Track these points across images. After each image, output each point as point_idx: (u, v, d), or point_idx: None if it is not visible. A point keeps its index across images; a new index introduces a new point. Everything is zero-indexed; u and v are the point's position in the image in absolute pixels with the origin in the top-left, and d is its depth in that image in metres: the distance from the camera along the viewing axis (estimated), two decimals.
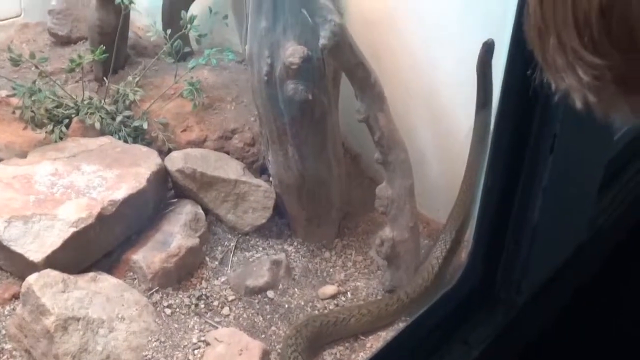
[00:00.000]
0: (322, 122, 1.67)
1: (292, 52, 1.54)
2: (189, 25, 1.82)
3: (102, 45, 1.88)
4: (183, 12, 1.85)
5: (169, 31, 1.88)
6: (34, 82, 1.79)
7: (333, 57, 1.54)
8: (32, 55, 1.77)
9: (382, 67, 1.65)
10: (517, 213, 1.62)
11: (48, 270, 1.46)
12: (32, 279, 1.42)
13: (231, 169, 1.78)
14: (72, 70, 1.82)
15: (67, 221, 1.52)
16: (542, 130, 1.53)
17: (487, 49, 1.50)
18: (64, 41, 2.24)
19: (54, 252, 1.49)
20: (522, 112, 1.51)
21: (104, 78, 2.00)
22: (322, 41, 1.48)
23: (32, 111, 1.82)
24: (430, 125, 1.81)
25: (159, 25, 2.06)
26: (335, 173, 1.76)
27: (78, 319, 1.40)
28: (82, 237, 1.53)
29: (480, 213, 1.62)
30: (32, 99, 1.74)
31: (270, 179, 1.80)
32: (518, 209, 1.63)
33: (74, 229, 1.51)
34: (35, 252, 1.48)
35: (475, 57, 1.54)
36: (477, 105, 1.59)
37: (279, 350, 1.52)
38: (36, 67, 1.79)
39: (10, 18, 2.28)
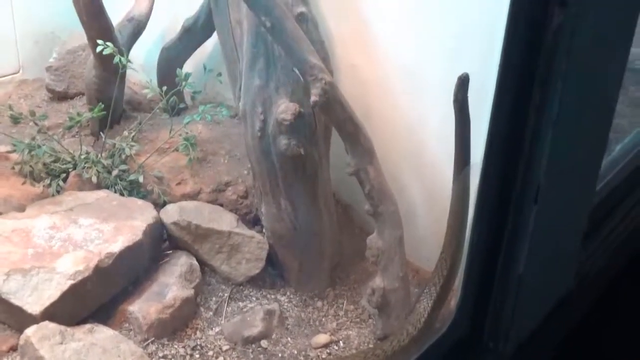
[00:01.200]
0: (313, 176, 1.71)
1: (285, 108, 1.60)
2: (183, 83, 1.88)
3: (100, 103, 1.93)
4: (178, 69, 1.91)
5: (164, 88, 1.93)
6: (33, 138, 1.84)
7: (324, 113, 1.59)
8: (32, 113, 1.82)
9: (373, 124, 1.71)
10: (503, 263, 1.66)
11: (46, 323, 1.48)
12: (30, 331, 1.44)
13: (225, 221, 1.82)
14: (70, 127, 1.86)
15: (65, 274, 1.54)
16: (525, 180, 1.58)
17: (462, 83, 1.55)
18: (61, 96, 2.30)
19: (52, 305, 1.51)
20: (506, 163, 1.56)
21: (100, 132, 2.05)
22: (314, 98, 1.53)
23: (31, 166, 1.86)
24: (418, 179, 1.85)
25: (154, 82, 2.12)
26: (326, 224, 1.80)
27: None
28: (80, 290, 1.55)
29: (468, 263, 1.66)
30: (31, 154, 1.78)
31: (263, 230, 1.84)
32: (504, 259, 1.66)
33: (71, 282, 1.54)
34: (34, 305, 1.50)
35: None
36: (456, 146, 1.62)
37: None
38: (35, 124, 1.83)
39: (8, 75, 2.33)
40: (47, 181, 1.87)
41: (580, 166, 1.74)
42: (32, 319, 1.49)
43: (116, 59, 1.83)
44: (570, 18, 1.39)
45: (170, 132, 1.94)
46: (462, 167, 1.65)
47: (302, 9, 1.63)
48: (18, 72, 2.36)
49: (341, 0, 1.80)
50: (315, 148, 1.68)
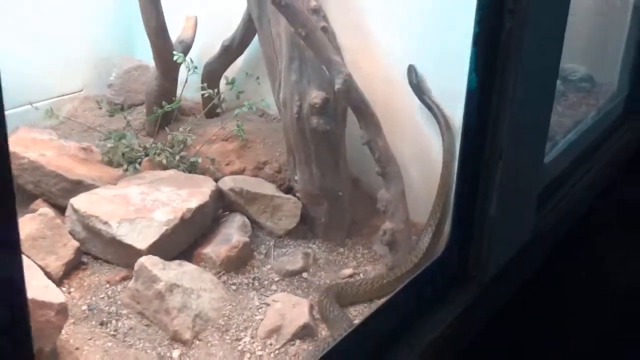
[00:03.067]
0: (336, 147, 2.25)
1: (316, 96, 2.14)
2: (231, 86, 2.43)
3: (156, 108, 2.47)
4: (226, 76, 2.46)
5: (215, 90, 2.47)
6: (123, 128, 2.36)
7: (344, 97, 2.14)
8: (122, 108, 2.35)
9: (375, 108, 2.25)
10: (480, 208, 2.17)
11: (150, 256, 1.98)
12: (143, 259, 1.93)
13: (267, 188, 2.34)
14: (155, 116, 2.39)
15: (161, 222, 2.06)
16: (493, 144, 2.11)
17: (409, 71, 2.22)
18: (119, 108, 2.81)
19: (154, 243, 2.01)
20: (478, 131, 2.09)
21: (165, 128, 2.57)
22: (337, 86, 2.08)
23: (110, 157, 2.39)
24: (411, 146, 2.39)
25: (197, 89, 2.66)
26: (345, 187, 2.34)
27: (178, 286, 1.92)
28: (170, 234, 2.06)
29: (455, 209, 2.17)
30: (121, 141, 2.30)
31: (297, 194, 2.36)
32: (481, 204, 2.18)
33: (166, 227, 2.05)
34: (141, 242, 2.01)
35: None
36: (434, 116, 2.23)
37: (317, 307, 2.05)
38: (124, 117, 2.36)
39: (74, 92, 2.84)
40: (125, 166, 2.38)
41: (531, 134, 2.29)
42: (139, 254, 1.98)
43: (187, 64, 2.38)
44: (518, 23, 1.95)
45: (221, 123, 2.47)
46: (444, 131, 2.21)
47: (324, 23, 2.19)
48: (81, 90, 2.87)
49: (347, 18, 2.36)
50: (337, 126, 2.22)
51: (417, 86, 2.27)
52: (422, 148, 2.37)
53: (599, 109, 3.42)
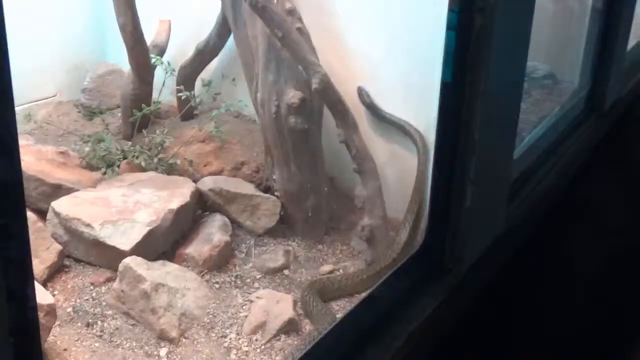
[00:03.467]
0: (314, 146, 2.29)
1: (293, 95, 2.18)
2: (207, 88, 2.45)
3: (135, 110, 2.48)
4: (202, 77, 2.48)
5: (191, 92, 2.49)
6: (102, 131, 2.37)
7: (321, 97, 2.18)
8: (101, 111, 2.36)
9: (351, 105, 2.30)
10: (456, 200, 2.23)
11: (134, 256, 1.99)
12: (127, 260, 1.95)
13: (246, 188, 2.37)
14: (144, 114, 2.43)
15: (143, 222, 2.07)
16: (466, 137, 2.16)
17: (360, 93, 2.33)
18: (93, 112, 2.81)
19: (137, 244, 2.03)
20: (452, 125, 2.14)
21: (143, 131, 2.57)
22: (314, 86, 2.12)
23: (88, 160, 2.39)
24: (386, 143, 2.43)
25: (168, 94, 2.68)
26: (322, 185, 2.37)
27: (164, 285, 1.94)
28: (153, 234, 2.08)
29: (431, 201, 2.23)
30: (99, 144, 2.30)
31: (276, 193, 2.39)
32: (456, 196, 2.24)
33: (149, 228, 2.07)
34: (124, 244, 2.02)
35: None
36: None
37: (300, 303, 2.08)
38: (103, 120, 2.37)
39: (48, 97, 2.83)
40: (104, 169, 2.39)
41: (502, 126, 2.35)
42: (123, 255, 2.00)
43: (164, 67, 2.39)
44: (487, 20, 2.01)
45: (198, 125, 2.49)
46: (416, 137, 2.26)
47: (299, 24, 2.22)
48: (55, 95, 2.86)
49: (318, 21, 2.39)
50: (314, 125, 2.26)
51: (372, 105, 2.34)
52: (397, 145, 2.42)
53: (562, 105, 3.51)
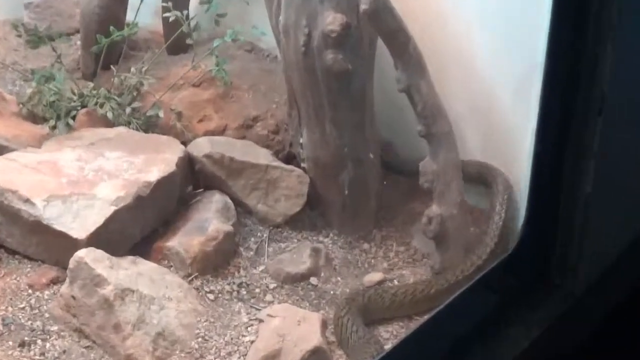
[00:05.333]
0: (360, 96, 2.30)
1: (332, 20, 2.19)
2: (207, 7, 2.48)
3: (99, 36, 2.53)
4: None
5: (185, 12, 2.53)
6: (51, 66, 2.42)
7: (373, 22, 2.19)
8: (50, 38, 2.40)
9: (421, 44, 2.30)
10: (569, 181, 2.22)
11: (93, 248, 2.03)
12: (82, 253, 1.99)
13: (260, 155, 2.40)
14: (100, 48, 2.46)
15: (107, 199, 2.12)
16: (590, 91, 2.15)
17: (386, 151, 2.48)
18: (41, 37, 2.85)
19: (97, 231, 2.08)
20: (568, 73, 2.14)
21: (112, 66, 2.61)
22: (363, 6, 2.13)
23: (30, 106, 2.45)
24: (467, 99, 2.44)
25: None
26: (372, 154, 2.39)
27: (133, 291, 1.98)
28: (120, 217, 2.12)
29: (533, 183, 2.23)
30: (47, 84, 2.35)
31: (302, 164, 2.42)
32: (569, 178, 2.23)
33: (114, 207, 2.11)
34: (79, 230, 2.07)
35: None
36: None
37: (332, 326, 2.11)
38: (53, 49, 2.41)
39: None
40: (53, 121, 2.44)
41: None
42: (76, 246, 2.04)
43: None
44: None
45: (192, 61, 2.52)
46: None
47: None
48: None
49: None
50: (362, 65, 2.28)
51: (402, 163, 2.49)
52: (482, 101, 2.42)
53: None
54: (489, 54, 2.39)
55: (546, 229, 2.24)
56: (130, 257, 2.12)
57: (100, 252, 2.03)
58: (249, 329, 2.08)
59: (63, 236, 2.08)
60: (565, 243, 2.26)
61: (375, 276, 2.32)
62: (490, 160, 2.42)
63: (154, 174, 2.22)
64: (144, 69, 2.55)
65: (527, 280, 2.26)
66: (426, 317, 2.14)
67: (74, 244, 2.06)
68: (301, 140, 2.40)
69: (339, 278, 2.31)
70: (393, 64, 2.23)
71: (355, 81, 2.28)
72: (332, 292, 2.25)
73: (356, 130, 2.34)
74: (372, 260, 2.38)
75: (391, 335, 2.16)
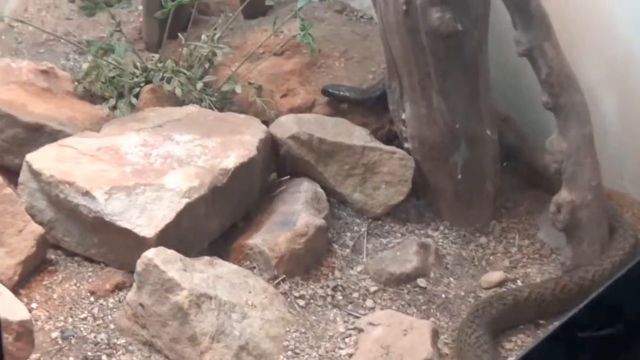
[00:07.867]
0: (473, 62, 2.30)
1: None
2: None
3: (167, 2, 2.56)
4: None
5: None
6: (110, 35, 2.46)
7: None
8: (109, 3, 2.44)
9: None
10: None
11: (162, 248, 2.06)
12: (151, 253, 2.02)
13: (355, 134, 2.41)
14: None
15: (178, 191, 2.14)
16: None
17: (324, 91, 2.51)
18: (97, 3, 2.90)
19: (167, 227, 2.10)
20: None
21: (164, 42, 2.65)
22: None
23: (87, 84, 2.50)
24: (605, 65, 2.42)
25: None
26: (489, 130, 2.38)
27: (210, 297, 2.01)
28: (195, 212, 2.15)
29: None
30: (106, 57, 2.39)
31: (406, 144, 2.42)
32: None
33: (187, 200, 2.14)
34: (146, 227, 2.10)
35: None
36: None
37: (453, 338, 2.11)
38: (112, 17, 2.45)
39: None
40: (114, 100, 2.48)
41: None
42: (144, 246, 2.07)
43: None
44: None
45: (272, 26, 2.53)
46: None
47: None
48: None
49: None
50: (474, 25, 2.27)
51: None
52: (619, 68, 2.39)
53: None
54: (629, 15, 2.37)
55: None
56: (207, 258, 2.15)
57: (171, 253, 2.06)
58: (347, 340, 2.10)
59: (128, 234, 2.11)
60: None
61: (494, 276, 2.32)
62: (630, 132, 2.39)
63: (231, 160, 2.24)
64: (216, 37, 2.58)
65: None
66: (556, 324, 2.13)
67: (142, 243, 2.09)
68: (403, 116, 2.41)
69: (451, 279, 2.31)
70: (511, 23, 2.23)
71: (467, 44, 2.28)
72: (443, 296, 2.26)
73: (469, 103, 2.34)
74: (491, 257, 2.38)
75: (515, 345, 2.15)
